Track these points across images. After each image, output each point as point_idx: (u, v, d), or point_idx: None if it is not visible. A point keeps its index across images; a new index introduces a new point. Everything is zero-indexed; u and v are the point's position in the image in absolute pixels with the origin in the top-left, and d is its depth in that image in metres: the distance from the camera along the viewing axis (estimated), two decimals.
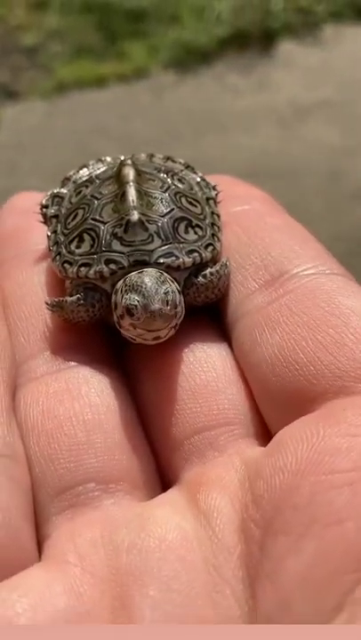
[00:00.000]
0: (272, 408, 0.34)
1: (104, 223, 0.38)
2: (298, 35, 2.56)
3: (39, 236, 0.42)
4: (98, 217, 0.39)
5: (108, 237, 0.37)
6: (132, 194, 0.38)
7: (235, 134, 2.08)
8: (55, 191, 0.43)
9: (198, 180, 0.43)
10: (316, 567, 0.26)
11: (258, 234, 0.39)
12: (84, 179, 0.43)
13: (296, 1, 2.64)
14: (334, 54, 2.46)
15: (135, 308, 0.34)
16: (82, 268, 0.38)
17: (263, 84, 2.33)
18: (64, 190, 0.43)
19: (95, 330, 0.39)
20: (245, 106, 2.22)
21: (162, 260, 0.37)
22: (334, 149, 1.98)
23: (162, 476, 0.34)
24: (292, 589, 0.26)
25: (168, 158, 0.44)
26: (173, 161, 0.44)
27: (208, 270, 0.38)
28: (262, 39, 2.52)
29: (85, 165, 0.44)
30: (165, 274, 0.36)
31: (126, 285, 0.35)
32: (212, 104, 2.25)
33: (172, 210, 0.39)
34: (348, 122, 2.09)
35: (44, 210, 0.42)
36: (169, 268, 0.37)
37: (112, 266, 0.37)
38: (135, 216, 0.37)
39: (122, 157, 0.43)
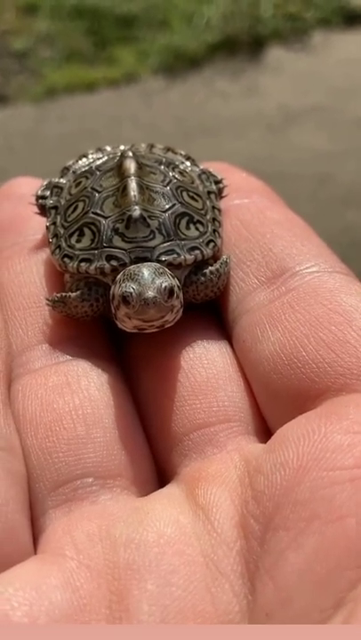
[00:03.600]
0: (273, 405, 0.33)
1: (105, 217, 0.37)
2: (287, 41, 2.58)
3: (38, 224, 0.41)
4: (99, 211, 0.38)
5: (109, 233, 0.37)
6: (133, 188, 0.37)
7: (224, 139, 2.09)
8: (54, 181, 0.42)
9: (199, 172, 0.42)
10: (317, 562, 0.25)
11: (259, 229, 0.38)
12: (84, 169, 0.42)
13: (285, 7, 2.66)
14: (322, 60, 2.48)
15: (130, 296, 0.34)
16: (82, 264, 0.37)
17: (252, 90, 2.34)
18: (63, 180, 0.42)
19: (94, 323, 0.38)
20: (234, 111, 2.23)
21: (163, 258, 0.36)
22: (323, 154, 1.99)
23: (160, 473, 0.34)
24: (292, 584, 0.26)
25: (168, 149, 0.44)
26: (174, 152, 0.44)
27: (208, 269, 0.37)
28: (251, 45, 2.54)
29: (85, 155, 0.43)
30: (165, 268, 0.36)
31: (124, 275, 0.35)
32: (201, 109, 2.26)
33: (174, 205, 0.38)
34: (336, 127, 2.11)
35: (41, 200, 0.41)
36: (170, 266, 0.36)
37: (113, 262, 0.36)
38: (137, 212, 0.36)
39: (122, 147, 0.42)
